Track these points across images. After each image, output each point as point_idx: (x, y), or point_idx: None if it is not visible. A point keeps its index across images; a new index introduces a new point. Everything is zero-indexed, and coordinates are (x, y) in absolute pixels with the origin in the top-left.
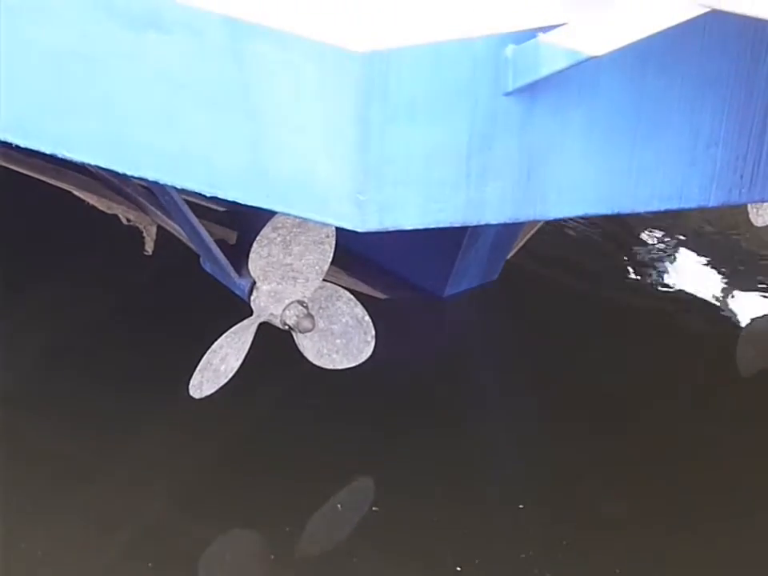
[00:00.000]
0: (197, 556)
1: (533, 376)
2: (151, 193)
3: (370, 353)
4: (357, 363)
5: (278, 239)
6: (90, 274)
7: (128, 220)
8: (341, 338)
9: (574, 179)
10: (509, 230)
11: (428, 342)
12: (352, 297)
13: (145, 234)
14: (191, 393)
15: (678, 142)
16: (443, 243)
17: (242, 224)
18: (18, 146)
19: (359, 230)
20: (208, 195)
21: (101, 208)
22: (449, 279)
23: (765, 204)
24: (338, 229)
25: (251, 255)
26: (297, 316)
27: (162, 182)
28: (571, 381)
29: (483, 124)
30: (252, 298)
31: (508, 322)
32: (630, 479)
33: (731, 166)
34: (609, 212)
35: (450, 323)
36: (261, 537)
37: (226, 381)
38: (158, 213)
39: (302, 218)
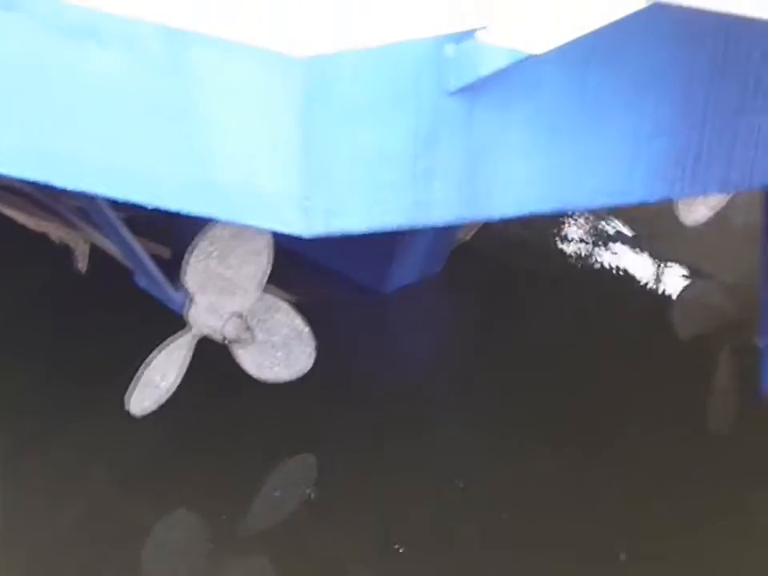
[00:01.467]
0: (135, 544)
1: (483, 370)
2: (83, 210)
3: (311, 364)
4: (298, 375)
5: (215, 252)
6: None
7: (59, 238)
8: (281, 350)
9: (519, 177)
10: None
11: (369, 338)
12: (291, 308)
13: (77, 253)
14: (132, 410)
15: (621, 136)
16: (381, 236)
17: (176, 238)
18: None
19: (305, 236)
20: (149, 207)
21: (30, 226)
22: (389, 274)
23: (695, 202)
24: (274, 233)
25: (187, 269)
26: (236, 329)
27: (101, 195)
28: (519, 364)
29: (428, 124)
30: (189, 312)
31: (451, 314)
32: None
33: (673, 159)
34: (554, 209)
35: (391, 319)
36: (198, 524)
37: (167, 396)
38: (90, 230)
39: (246, 225)
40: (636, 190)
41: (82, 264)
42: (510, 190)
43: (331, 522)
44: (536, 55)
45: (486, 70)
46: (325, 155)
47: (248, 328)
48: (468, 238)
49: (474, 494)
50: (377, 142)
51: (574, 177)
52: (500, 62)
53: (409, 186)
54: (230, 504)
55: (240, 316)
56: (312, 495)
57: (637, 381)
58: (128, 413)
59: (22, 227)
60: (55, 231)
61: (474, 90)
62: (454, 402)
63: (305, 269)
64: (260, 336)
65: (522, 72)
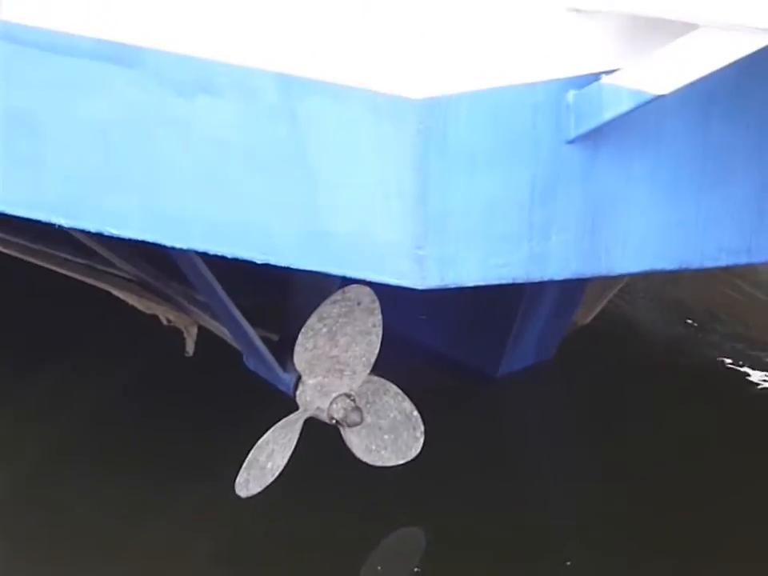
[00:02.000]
0: None
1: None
2: (193, 294)
3: (419, 449)
4: (406, 460)
5: (324, 330)
6: (131, 372)
7: (168, 320)
8: (389, 433)
9: (639, 232)
10: (563, 306)
11: (476, 423)
12: (399, 391)
13: (185, 335)
14: (237, 491)
15: (745, 191)
16: (495, 321)
17: (284, 319)
18: (57, 244)
19: (419, 288)
20: (259, 263)
21: (140, 308)
22: (502, 359)
23: None
24: (384, 315)
25: (296, 348)
26: (344, 409)
27: (212, 253)
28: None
29: (545, 174)
30: (297, 392)
31: (563, 402)
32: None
33: None
34: (675, 267)
35: (503, 404)
36: None
37: (272, 479)
38: (199, 312)
39: (358, 279)
40: (763, 248)
41: (190, 346)
42: (629, 246)
43: None
44: (661, 96)
45: (609, 113)
46: (439, 202)
47: (356, 408)
48: (587, 321)
49: (583, 572)
50: (493, 190)
51: (696, 233)
52: (624, 105)
53: (525, 238)
54: None
55: (348, 396)
56: (418, 570)
57: (755, 475)
58: (229, 491)
59: (133, 308)
60: (165, 313)
61: (594, 139)
62: (560, 483)
63: (412, 353)
64: (368, 419)
65: (643, 122)
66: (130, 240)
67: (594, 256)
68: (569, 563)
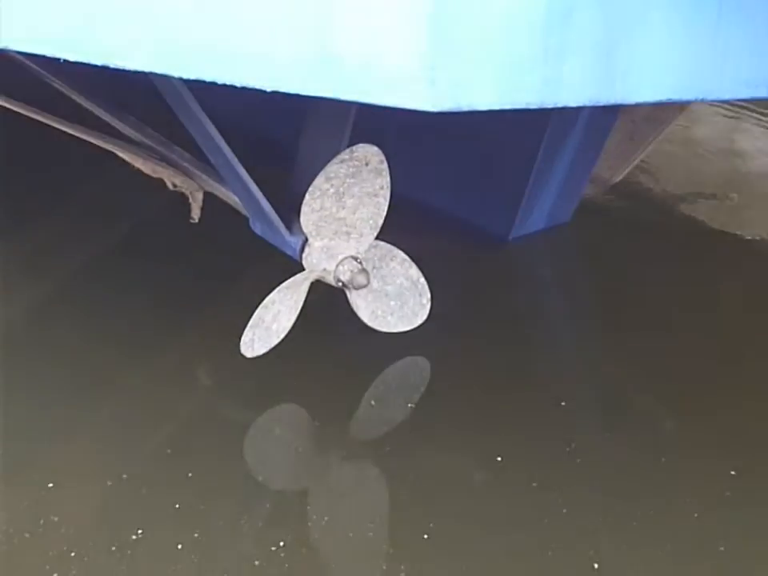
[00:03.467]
0: (230, 449)
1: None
2: (200, 155)
3: (425, 316)
4: (412, 327)
5: (331, 190)
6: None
7: (174, 185)
8: (395, 299)
9: (656, 59)
10: (581, 166)
11: (489, 287)
12: (407, 257)
13: (191, 200)
14: (242, 350)
15: (766, 19)
16: (508, 180)
17: (291, 181)
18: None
19: (432, 110)
20: (268, 90)
21: (146, 171)
22: (515, 221)
23: None
24: (393, 171)
25: (303, 208)
26: (351, 271)
27: (219, 82)
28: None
29: None
30: (304, 255)
31: (579, 267)
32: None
33: None
34: (693, 98)
35: (514, 268)
36: (288, 432)
37: (278, 341)
38: (205, 177)
39: (369, 103)
40: None
41: (195, 212)
42: (646, 73)
43: (428, 434)
44: None
45: None
46: (454, 20)
47: (363, 270)
48: (618, 179)
49: (577, 413)
50: (508, 8)
51: (714, 62)
52: None
53: (540, 61)
54: (322, 412)
55: (355, 258)
56: (411, 406)
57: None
58: (232, 330)
59: (139, 172)
60: (170, 177)
61: None
62: (565, 337)
63: (421, 218)
64: (374, 284)
65: None
66: (136, 72)
67: (609, 82)
68: (563, 403)
